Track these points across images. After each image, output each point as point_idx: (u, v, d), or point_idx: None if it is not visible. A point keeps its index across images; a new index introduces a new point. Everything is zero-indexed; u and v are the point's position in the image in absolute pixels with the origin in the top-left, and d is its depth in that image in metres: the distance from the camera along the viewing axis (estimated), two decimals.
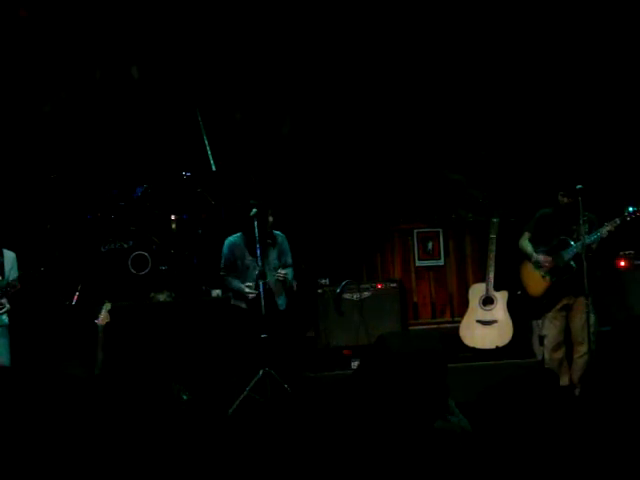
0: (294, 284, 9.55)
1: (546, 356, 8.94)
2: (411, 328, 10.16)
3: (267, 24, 11.41)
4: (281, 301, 9.15)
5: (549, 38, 11.16)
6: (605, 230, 8.76)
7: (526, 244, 9.12)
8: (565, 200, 8.87)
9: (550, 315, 8.97)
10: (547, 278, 8.97)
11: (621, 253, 10.04)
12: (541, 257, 9.01)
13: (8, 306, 8.48)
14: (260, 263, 8.85)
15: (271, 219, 9.10)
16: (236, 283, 9.10)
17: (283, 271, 9.06)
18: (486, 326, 9.74)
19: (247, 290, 8.94)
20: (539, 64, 11.23)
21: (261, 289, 8.83)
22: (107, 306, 8.91)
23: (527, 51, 11.22)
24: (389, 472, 5.01)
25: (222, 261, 9.21)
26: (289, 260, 9.25)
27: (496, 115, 11.42)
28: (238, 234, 9.17)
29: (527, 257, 9.11)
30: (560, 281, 8.93)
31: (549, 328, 8.97)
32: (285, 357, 8.98)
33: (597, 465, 4.81)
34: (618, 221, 8.76)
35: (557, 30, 11.16)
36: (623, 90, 11.11)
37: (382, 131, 11.50)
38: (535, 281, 9.05)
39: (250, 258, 9.05)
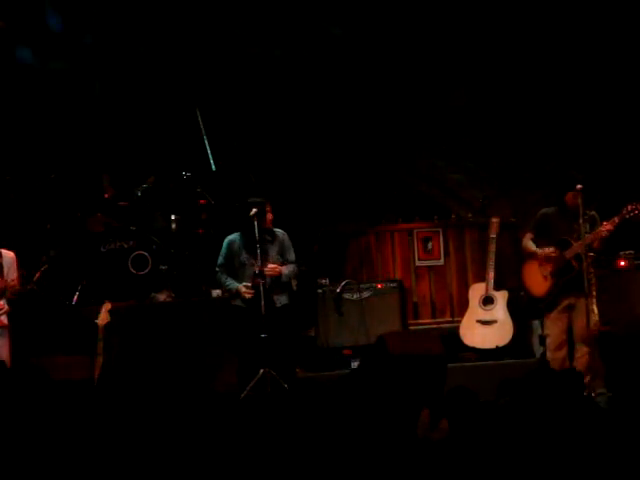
0: (294, 283, 9.53)
1: (548, 356, 8.92)
2: (411, 328, 10.16)
3: (263, 22, 11.43)
4: (279, 297, 9.02)
5: (549, 38, 11.17)
6: (604, 229, 8.73)
7: (529, 244, 9.09)
8: (579, 201, 8.73)
9: (552, 315, 8.94)
10: (549, 278, 8.95)
11: (621, 253, 10.03)
12: (546, 249, 8.93)
13: (7, 307, 8.47)
14: (260, 262, 8.81)
15: (270, 216, 9.03)
16: (230, 282, 9.03)
17: (273, 265, 8.95)
18: (486, 326, 9.74)
19: (244, 290, 8.91)
20: (540, 62, 11.23)
21: (261, 289, 8.81)
22: (107, 306, 8.91)
23: (528, 49, 11.22)
24: (388, 472, 5.01)
25: (219, 258, 9.17)
26: (291, 257, 9.12)
27: (496, 114, 11.43)
28: (237, 233, 9.14)
29: (532, 256, 9.05)
30: (562, 281, 8.91)
31: (551, 328, 8.95)
32: (283, 356, 8.93)
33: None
34: (617, 220, 8.73)
35: (557, 29, 11.16)
36: (626, 87, 11.10)
37: (383, 128, 11.52)
38: (537, 281, 9.02)
39: (246, 256, 9.00)
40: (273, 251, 9.04)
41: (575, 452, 4.91)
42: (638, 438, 5.12)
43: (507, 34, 11.24)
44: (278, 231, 9.15)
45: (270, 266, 8.91)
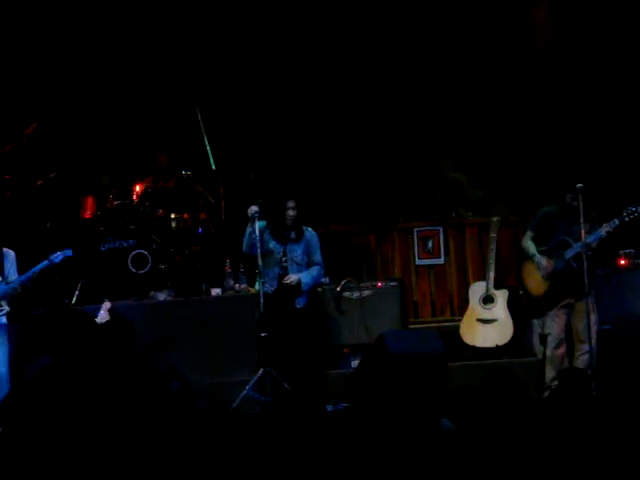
0: (323, 280, 9.54)
1: (548, 353, 8.94)
2: (411, 327, 10.15)
3: (263, 22, 11.44)
4: (299, 299, 9.01)
5: (551, 36, 11.18)
6: (604, 231, 8.77)
7: (529, 244, 9.10)
8: (575, 204, 8.77)
9: (552, 313, 8.97)
10: (548, 280, 8.97)
11: (621, 252, 10.04)
12: (544, 262, 8.97)
13: (8, 308, 8.45)
14: (260, 261, 8.79)
15: (293, 213, 8.94)
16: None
17: (293, 276, 8.94)
18: (486, 325, 9.74)
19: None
20: (540, 62, 11.23)
21: (261, 288, 8.82)
22: (107, 305, 8.90)
23: (528, 50, 11.23)
24: (390, 471, 5.00)
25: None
26: (317, 258, 9.06)
27: (497, 113, 11.43)
28: (264, 222, 9.02)
29: (529, 257, 9.08)
30: (561, 282, 8.92)
31: (551, 327, 8.97)
32: (300, 357, 8.90)
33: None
34: (617, 222, 8.77)
35: (559, 29, 11.17)
36: (624, 89, 11.11)
37: (382, 128, 11.51)
38: (536, 281, 9.04)
39: (274, 243, 8.99)
40: (298, 250, 9.01)
41: (578, 450, 4.91)
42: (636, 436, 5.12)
43: (507, 35, 11.27)
44: (306, 229, 9.10)
45: (287, 280, 8.88)
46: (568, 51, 11.17)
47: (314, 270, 9.05)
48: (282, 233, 8.97)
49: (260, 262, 8.78)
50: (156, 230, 10.35)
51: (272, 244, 8.95)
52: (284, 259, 8.95)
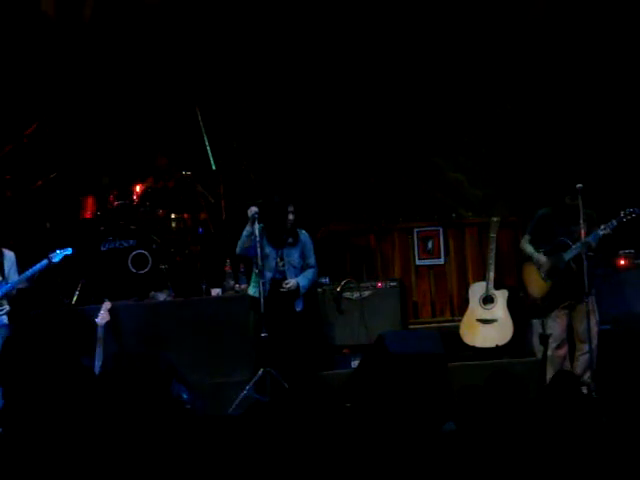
0: (322, 281, 9.59)
1: (549, 354, 8.96)
2: (411, 327, 10.16)
3: (263, 22, 11.44)
4: (297, 302, 9.05)
5: (551, 36, 11.18)
6: (602, 232, 8.79)
7: (526, 246, 9.12)
8: (574, 202, 8.79)
9: (553, 314, 8.99)
10: (548, 281, 8.98)
11: (621, 252, 10.04)
12: (543, 258, 8.99)
13: (8, 307, 8.45)
14: (260, 262, 8.80)
15: (292, 217, 8.99)
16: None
17: (292, 281, 8.98)
18: (486, 325, 9.74)
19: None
20: (540, 61, 11.24)
21: (261, 288, 8.82)
22: (107, 305, 8.90)
23: (529, 50, 11.23)
24: (391, 472, 5.00)
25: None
26: (311, 261, 9.13)
27: (497, 113, 11.44)
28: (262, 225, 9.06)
29: (529, 258, 9.10)
30: (561, 283, 8.93)
31: (553, 327, 8.99)
32: (300, 359, 8.92)
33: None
34: (615, 222, 8.80)
35: (559, 29, 11.18)
36: (623, 90, 11.12)
37: (382, 128, 11.51)
38: (537, 282, 9.05)
39: (269, 248, 9.00)
40: (294, 254, 9.06)
41: (575, 451, 4.92)
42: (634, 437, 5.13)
43: (510, 34, 11.27)
44: (301, 233, 9.14)
45: (287, 285, 8.92)
46: (568, 51, 11.18)
47: (309, 273, 9.11)
48: (280, 237, 8.98)
49: (260, 262, 8.80)
50: (156, 230, 10.36)
51: (268, 249, 8.97)
52: (281, 264, 8.98)
